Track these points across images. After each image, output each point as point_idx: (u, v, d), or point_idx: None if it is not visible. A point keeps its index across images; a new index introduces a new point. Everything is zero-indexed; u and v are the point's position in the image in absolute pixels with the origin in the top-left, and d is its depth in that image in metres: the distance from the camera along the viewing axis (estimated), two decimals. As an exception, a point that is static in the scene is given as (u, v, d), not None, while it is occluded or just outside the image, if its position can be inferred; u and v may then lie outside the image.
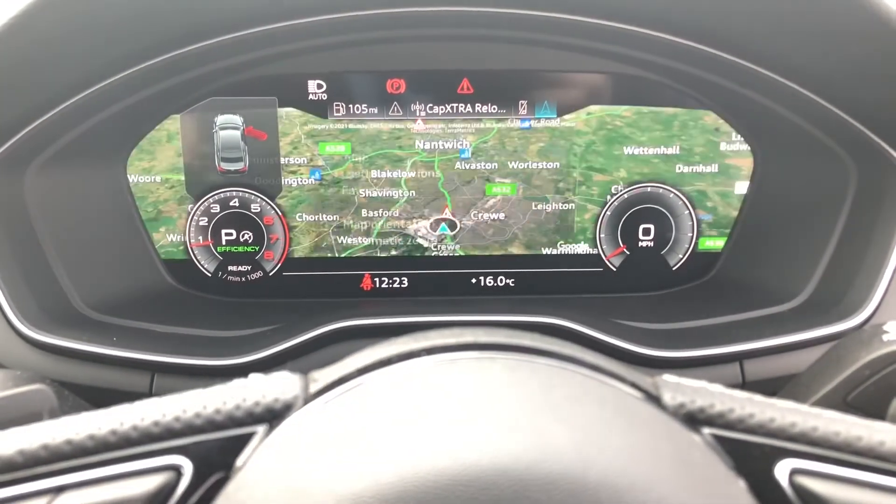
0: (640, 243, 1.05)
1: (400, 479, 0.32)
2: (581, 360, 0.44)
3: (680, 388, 0.43)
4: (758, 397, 0.43)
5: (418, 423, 0.36)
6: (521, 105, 0.99)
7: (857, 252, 0.89)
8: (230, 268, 1.04)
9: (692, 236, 1.04)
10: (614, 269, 1.05)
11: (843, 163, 0.92)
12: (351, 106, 0.98)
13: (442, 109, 0.99)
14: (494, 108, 0.99)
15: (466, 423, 0.35)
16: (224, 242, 1.03)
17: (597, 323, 0.90)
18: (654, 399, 0.43)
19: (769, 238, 0.99)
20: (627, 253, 1.05)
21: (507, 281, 1.05)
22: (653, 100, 1.00)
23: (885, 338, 0.59)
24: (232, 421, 0.41)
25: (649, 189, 1.03)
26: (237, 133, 0.99)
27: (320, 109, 0.98)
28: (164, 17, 0.82)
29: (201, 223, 1.02)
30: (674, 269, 1.05)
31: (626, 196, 1.03)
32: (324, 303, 1.03)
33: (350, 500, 0.32)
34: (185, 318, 0.95)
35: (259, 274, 1.04)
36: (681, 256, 1.05)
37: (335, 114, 0.98)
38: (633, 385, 0.43)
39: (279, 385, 0.43)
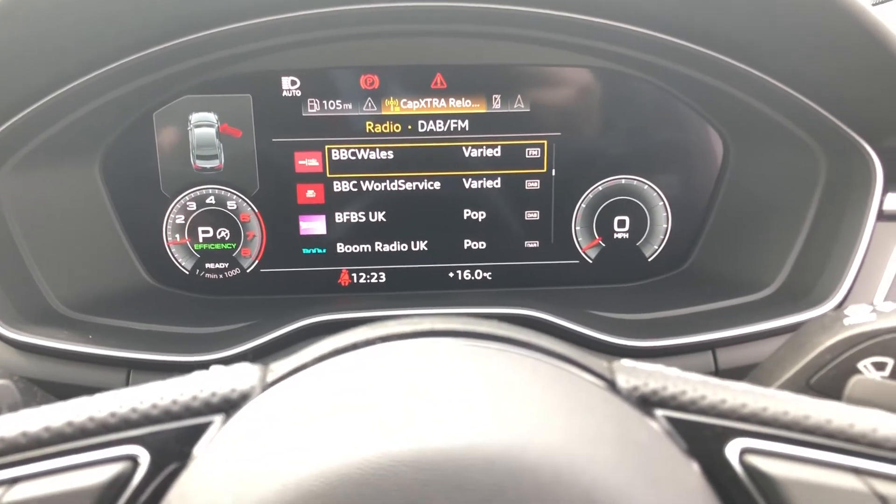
0: (615, 235, 1.05)
1: (344, 462, 0.33)
2: (536, 345, 0.45)
3: (634, 372, 0.44)
4: (712, 379, 0.44)
5: (361, 407, 0.36)
6: (495, 99, 0.99)
7: (826, 241, 0.90)
8: (208, 265, 1.04)
9: (667, 227, 1.05)
10: (590, 262, 1.06)
11: (813, 153, 0.92)
12: (325, 102, 0.99)
13: (416, 105, 0.99)
14: (468, 103, 0.99)
15: (409, 406, 0.36)
16: (201, 240, 1.03)
17: (572, 314, 0.91)
18: (608, 382, 0.43)
19: (742, 229, 1.00)
20: (603, 245, 1.05)
21: (485, 274, 1.06)
22: (626, 93, 1.00)
23: (845, 322, 0.60)
24: (189, 411, 0.41)
25: (623, 181, 1.03)
26: (212, 131, 1.00)
27: (294, 106, 0.99)
28: (136, 15, 0.82)
29: (178, 221, 1.02)
30: (649, 260, 1.06)
31: (600, 188, 1.03)
32: (302, 299, 1.03)
33: (295, 483, 0.33)
34: (163, 316, 0.96)
35: (237, 271, 1.04)
36: (656, 248, 1.06)
37: (309, 110, 0.99)
38: (587, 369, 0.44)
39: (237, 376, 0.43)
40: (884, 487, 0.38)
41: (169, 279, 1.03)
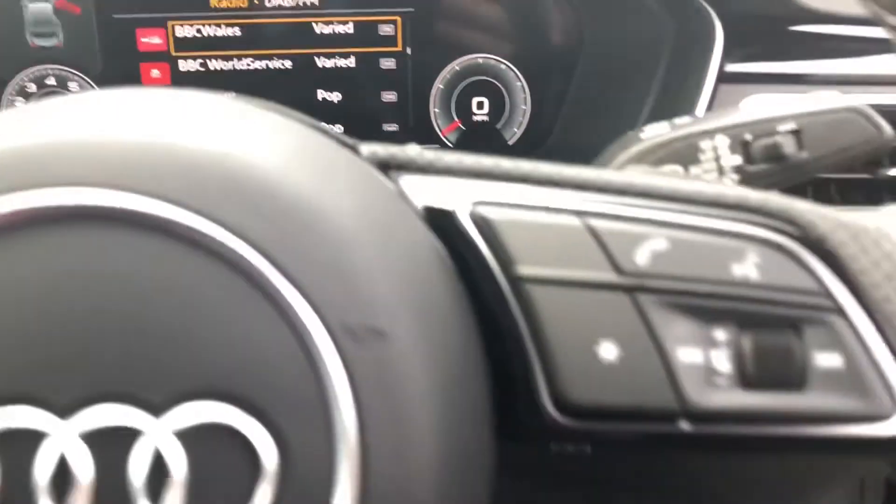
0: (474, 118, 1.04)
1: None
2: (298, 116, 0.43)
3: (379, 145, 0.43)
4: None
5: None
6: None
7: (671, 106, 0.90)
8: (51, 151, 0.99)
9: (526, 109, 1.04)
10: (451, 145, 1.04)
11: (660, 19, 0.92)
12: (166, -25, 0.95)
13: (263, -22, 0.96)
14: (317, -23, 0.97)
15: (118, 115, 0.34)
16: (42, 124, 0.98)
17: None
18: (348, 147, 0.42)
19: (597, 104, 1.00)
20: (463, 128, 1.04)
21: (344, 160, 1.03)
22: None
23: (641, 136, 0.59)
24: None
25: (480, 60, 1.02)
26: (48, 6, 0.95)
27: (135, -20, 0.95)
28: None
29: (16, 104, 0.97)
30: (509, 142, 1.05)
31: (457, 68, 1.02)
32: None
33: None
34: None
35: (83, 157, 1.00)
36: (515, 130, 1.05)
37: (150, -17, 0.95)
38: (332, 136, 0.42)
39: None
40: (596, 222, 0.38)
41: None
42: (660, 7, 0.92)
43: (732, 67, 0.87)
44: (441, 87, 1.02)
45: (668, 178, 0.40)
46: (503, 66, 1.02)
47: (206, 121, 0.34)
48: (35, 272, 0.29)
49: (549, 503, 0.52)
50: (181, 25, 0.96)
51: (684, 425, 0.35)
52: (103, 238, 0.29)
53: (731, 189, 0.38)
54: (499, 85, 1.03)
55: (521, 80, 1.03)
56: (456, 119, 1.04)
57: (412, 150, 0.42)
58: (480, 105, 1.03)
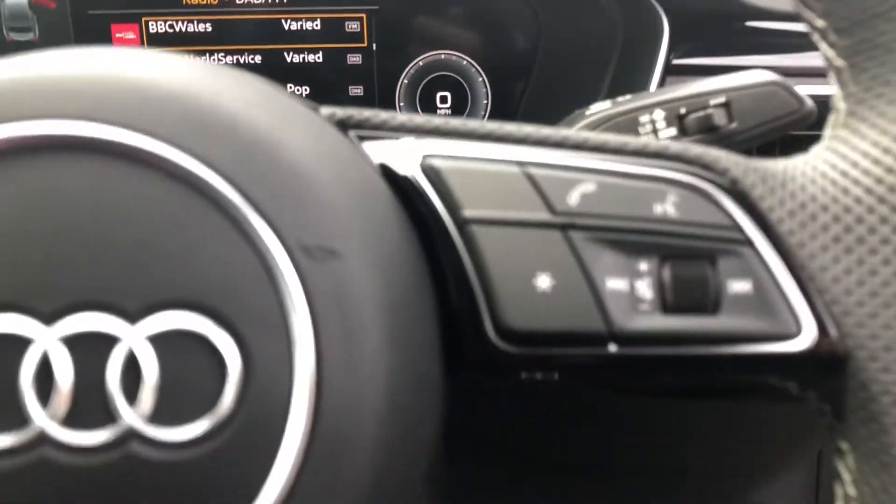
0: (438, 111, 1.08)
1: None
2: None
3: (338, 107, 0.46)
4: None
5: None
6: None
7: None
8: (25, 143, 1.02)
9: (487, 103, 1.08)
10: (416, 139, 1.08)
11: (611, 16, 0.97)
12: (139, -28, 0.98)
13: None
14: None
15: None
16: (17, 116, 1.01)
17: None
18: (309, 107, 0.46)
19: (553, 99, 1.04)
20: (427, 121, 1.08)
21: (312, 152, 1.07)
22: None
23: (587, 112, 0.64)
24: None
25: (443, 56, 1.06)
26: (24, 1, 0.98)
27: (109, -23, 0.98)
28: None
29: (-8, 96, 1.00)
30: (472, 135, 1.09)
31: (421, 64, 1.06)
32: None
33: None
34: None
35: (57, 150, 1.03)
36: (478, 123, 1.09)
37: (123, -20, 0.98)
38: (293, 96, 0.46)
39: None
40: (533, 170, 0.41)
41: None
42: (611, 4, 0.97)
43: (679, 61, 0.92)
44: (406, 81, 1.06)
45: (599, 133, 0.45)
46: (465, 62, 1.06)
47: (175, 64, 0.37)
48: (21, 197, 0.33)
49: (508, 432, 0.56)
50: (154, 21, 1.00)
51: (612, 347, 0.39)
52: (86, 166, 0.33)
53: (655, 141, 0.43)
54: (461, 80, 1.07)
55: (482, 76, 1.07)
56: (420, 112, 1.08)
57: (367, 112, 0.46)
58: (444, 99, 1.08)
